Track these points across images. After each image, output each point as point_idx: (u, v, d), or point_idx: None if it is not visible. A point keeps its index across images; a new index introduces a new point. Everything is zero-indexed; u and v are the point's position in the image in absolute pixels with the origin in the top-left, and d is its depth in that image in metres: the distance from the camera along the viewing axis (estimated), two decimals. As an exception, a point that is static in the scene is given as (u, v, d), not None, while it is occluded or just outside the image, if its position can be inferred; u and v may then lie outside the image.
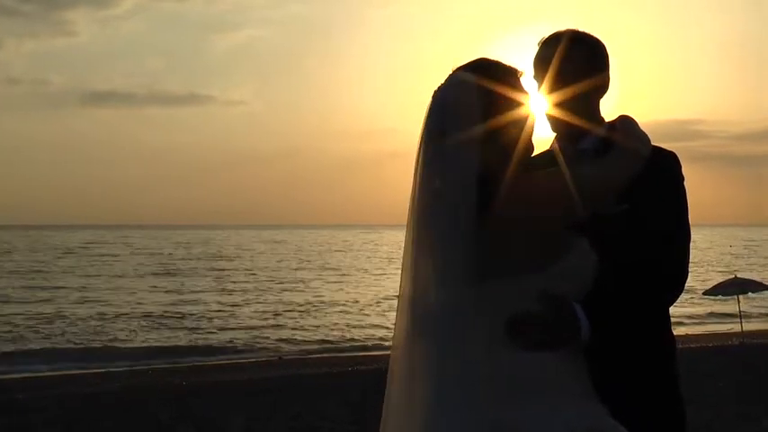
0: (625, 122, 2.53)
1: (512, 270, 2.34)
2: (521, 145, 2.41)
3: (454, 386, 2.35)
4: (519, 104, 2.41)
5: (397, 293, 2.51)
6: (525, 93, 2.44)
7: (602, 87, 2.65)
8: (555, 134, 2.70)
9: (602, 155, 2.50)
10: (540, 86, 2.62)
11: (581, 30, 2.67)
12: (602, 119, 2.66)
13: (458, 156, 2.33)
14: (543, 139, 2.63)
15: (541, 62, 2.62)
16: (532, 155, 2.49)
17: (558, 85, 2.60)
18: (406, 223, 2.53)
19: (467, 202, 2.31)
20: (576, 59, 2.60)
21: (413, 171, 2.40)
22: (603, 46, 2.67)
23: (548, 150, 2.71)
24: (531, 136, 2.45)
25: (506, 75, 2.43)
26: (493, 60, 2.46)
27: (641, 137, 2.49)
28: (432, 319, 2.37)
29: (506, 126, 2.37)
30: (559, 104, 2.63)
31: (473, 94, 2.35)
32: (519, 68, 2.47)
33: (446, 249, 2.35)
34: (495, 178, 2.33)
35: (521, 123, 2.41)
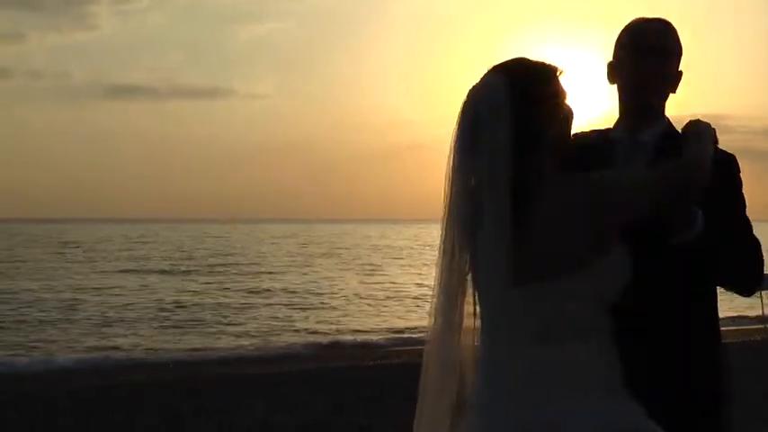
0: (699, 133, 2.44)
1: (552, 271, 2.32)
2: (559, 145, 2.38)
3: (490, 386, 2.37)
4: (555, 105, 2.37)
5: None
6: (562, 93, 2.39)
7: (678, 82, 2.67)
8: (620, 118, 2.68)
9: (660, 151, 2.53)
10: (626, 66, 2.61)
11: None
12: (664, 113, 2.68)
13: (489, 157, 2.32)
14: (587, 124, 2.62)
15: (643, 33, 2.61)
16: (586, 132, 2.55)
17: (662, 59, 2.59)
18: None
19: (500, 205, 2.30)
20: (677, 50, 2.64)
21: (445, 169, 2.40)
22: None
23: (604, 131, 2.69)
24: (568, 136, 2.42)
25: (542, 74, 2.39)
26: (529, 60, 2.41)
27: (705, 154, 2.40)
28: (470, 320, 2.39)
29: (542, 126, 2.34)
30: (648, 91, 2.60)
31: (503, 96, 2.32)
32: (558, 66, 2.42)
33: (483, 251, 2.36)
34: (533, 178, 2.32)
35: (558, 124, 2.37)
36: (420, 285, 31.37)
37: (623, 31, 2.68)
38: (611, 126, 2.72)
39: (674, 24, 2.70)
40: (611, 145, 2.65)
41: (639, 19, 2.67)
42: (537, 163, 2.34)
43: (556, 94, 2.38)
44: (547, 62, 2.42)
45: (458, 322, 2.41)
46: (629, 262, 2.37)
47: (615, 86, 2.70)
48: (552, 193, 2.32)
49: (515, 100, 2.32)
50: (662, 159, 2.49)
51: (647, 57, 2.58)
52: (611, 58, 2.71)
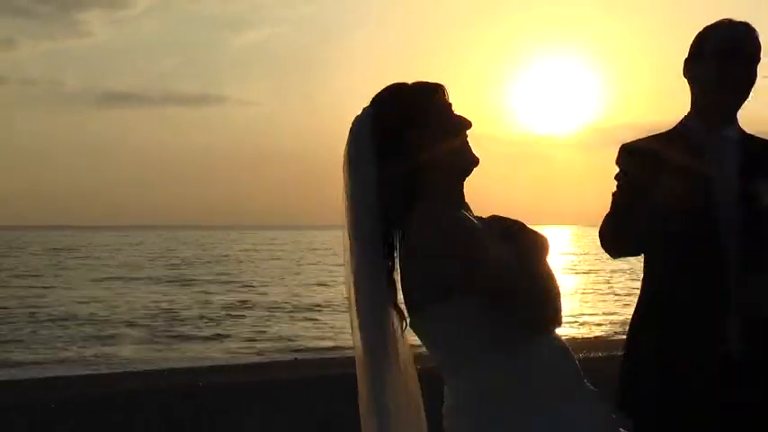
0: None
1: (424, 301, 2.35)
2: (450, 161, 2.38)
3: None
4: (432, 126, 2.36)
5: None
6: (440, 110, 2.38)
7: None
8: (693, 114, 2.73)
9: (745, 149, 2.63)
10: (709, 68, 2.68)
11: None
12: None
13: (361, 186, 2.36)
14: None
15: (728, 38, 2.68)
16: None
17: (745, 64, 2.68)
18: None
19: (369, 233, 2.36)
20: (758, 56, 2.72)
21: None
22: None
23: (675, 128, 2.74)
24: (459, 151, 2.39)
25: (411, 98, 2.39)
26: (402, 85, 2.42)
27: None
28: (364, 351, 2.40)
29: (418, 149, 2.34)
30: (729, 95, 2.69)
31: (368, 128, 2.36)
32: (436, 84, 2.41)
33: (363, 282, 2.38)
34: (398, 211, 2.36)
35: (439, 143, 2.35)
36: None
37: (708, 30, 2.75)
38: (682, 120, 2.79)
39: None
40: (695, 140, 2.70)
41: (725, 22, 2.73)
42: (404, 195, 2.37)
43: (430, 114, 2.36)
44: (424, 82, 2.41)
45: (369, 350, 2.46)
46: (512, 264, 2.33)
47: (686, 83, 2.78)
48: (416, 225, 2.33)
49: (377, 133, 2.36)
50: (751, 158, 2.60)
51: (730, 62, 2.65)
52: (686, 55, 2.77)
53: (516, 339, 2.34)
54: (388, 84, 2.45)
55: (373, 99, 2.43)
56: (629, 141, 2.74)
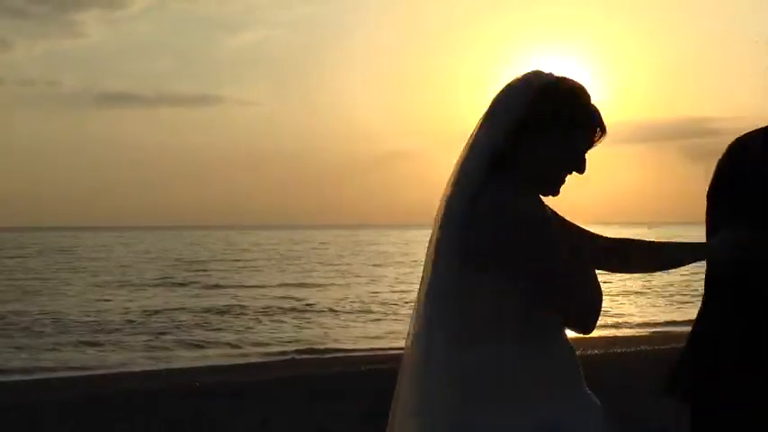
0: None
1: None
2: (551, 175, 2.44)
3: (435, 388, 2.38)
4: (570, 139, 2.43)
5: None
6: (585, 139, 2.47)
7: None
8: None
9: None
10: None
11: None
12: None
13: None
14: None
15: None
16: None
17: None
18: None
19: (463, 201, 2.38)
20: None
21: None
22: None
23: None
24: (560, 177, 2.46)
25: (580, 107, 2.44)
26: (578, 86, 2.48)
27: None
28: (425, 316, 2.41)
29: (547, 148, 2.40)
30: None
31: (529, 98, 2.41)
32: (597, 112, 2.47)
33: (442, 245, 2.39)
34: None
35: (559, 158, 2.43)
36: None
37: None
38: None
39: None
40: None
41: None
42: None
43: (577, 133, 2.43)
44: (593, 105, 2.46)
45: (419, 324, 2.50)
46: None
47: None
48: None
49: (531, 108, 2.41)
50: None
51: None
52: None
53: (545, 330, 2.39)
54: (527, 72, 2.44)
55: (553, 81, 2.44)
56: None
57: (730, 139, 2.69)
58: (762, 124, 2.65)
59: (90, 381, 14.02)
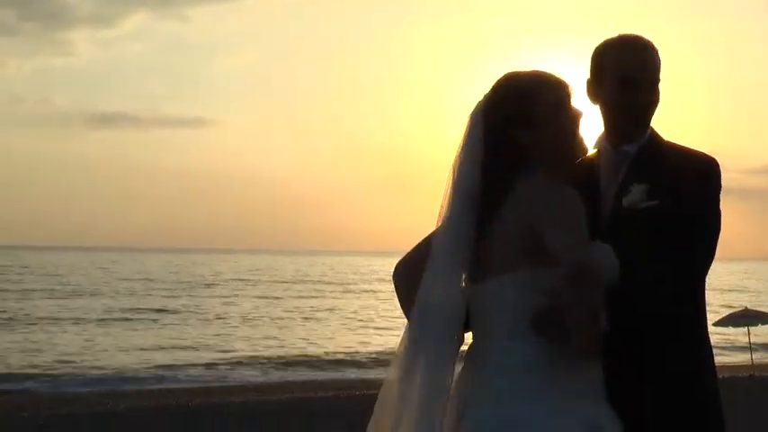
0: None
1: (524, 264, 2.37)
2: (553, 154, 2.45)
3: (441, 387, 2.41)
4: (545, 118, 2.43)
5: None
6: (557, 104, 2.46)
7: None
8: (604, 134, 2.71)
9: (639, 163, 2.59)
10: (610, 95, 2.63)
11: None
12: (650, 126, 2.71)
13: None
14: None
15: (627, 65, 2.61)
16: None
17: (647, 90, 2.62)
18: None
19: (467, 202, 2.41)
20: (658, 69, 2.65)
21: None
22: None
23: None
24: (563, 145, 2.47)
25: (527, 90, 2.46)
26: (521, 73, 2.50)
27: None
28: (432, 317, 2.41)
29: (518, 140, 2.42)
30: (632, 120, 2.63)
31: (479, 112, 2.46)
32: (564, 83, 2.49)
33: (445, 246, 2.42)
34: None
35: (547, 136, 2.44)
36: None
37: (603, 50, 2.68)
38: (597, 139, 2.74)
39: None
40: (600, 160, 2.68)
41: (620, 42, 2.66)
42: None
43: (550, 106, 2.44)
44: (555, 76, 2.49)
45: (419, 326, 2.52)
46: (610, 264, 2.40)
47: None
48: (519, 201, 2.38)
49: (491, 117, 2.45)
50: (640, 171, 2.58)
51: (632, 89, 2.60)
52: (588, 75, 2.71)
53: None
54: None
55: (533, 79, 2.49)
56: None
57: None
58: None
59: (87, 399, 13.92)
